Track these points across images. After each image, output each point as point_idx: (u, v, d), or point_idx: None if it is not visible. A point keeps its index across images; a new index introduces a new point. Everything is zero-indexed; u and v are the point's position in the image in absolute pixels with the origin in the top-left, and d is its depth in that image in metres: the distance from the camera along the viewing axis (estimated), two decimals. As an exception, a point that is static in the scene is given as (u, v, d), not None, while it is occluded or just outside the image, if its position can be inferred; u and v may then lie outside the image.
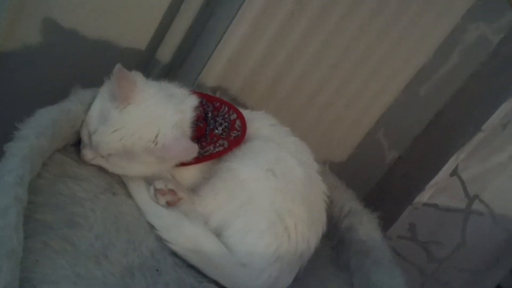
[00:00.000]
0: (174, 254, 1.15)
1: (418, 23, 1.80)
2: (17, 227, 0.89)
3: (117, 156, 1.19)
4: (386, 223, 1.54)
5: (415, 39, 1.83)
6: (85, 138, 1.21)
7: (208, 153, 1.28)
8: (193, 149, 1.19)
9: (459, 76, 1.97)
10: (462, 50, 1.93)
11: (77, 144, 1.26)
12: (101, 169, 1.22)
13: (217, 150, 1.28)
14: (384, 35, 1.78)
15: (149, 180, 1.24)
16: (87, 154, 1.20)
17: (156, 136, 1.18)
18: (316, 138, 1.87)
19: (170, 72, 1.64)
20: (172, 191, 1.21)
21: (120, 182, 1.24)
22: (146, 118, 1.18)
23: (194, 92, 1.33)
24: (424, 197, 1.84)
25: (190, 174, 1.30)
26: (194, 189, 1.27)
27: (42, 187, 1.07)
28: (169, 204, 1.21)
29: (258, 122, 1.39)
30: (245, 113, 1.36)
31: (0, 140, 1.01)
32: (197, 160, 1.26)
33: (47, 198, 1.06)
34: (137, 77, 1.24)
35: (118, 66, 1.15)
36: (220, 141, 1.29)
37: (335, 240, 1.50)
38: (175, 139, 1.19)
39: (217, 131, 1.30)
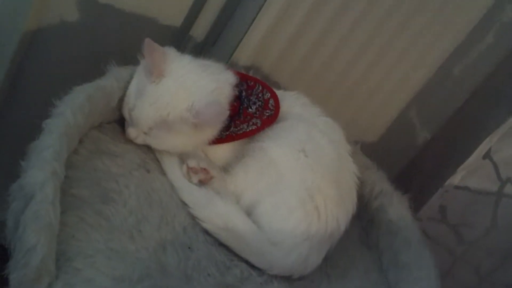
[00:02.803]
0: (206, 231, 1.17)
1: (455, 1, 1.77)
2: (54, 201, 0.91)
3: (157, 129, 1.21)
4: (416, 205, 1.53)
5: (451, 17, 1.80)
6: (127, 116, 1.24)
7: (241, 131, 1.29)
8: (224, 114, 1.21)
9: (495, 56, 1.93)
10: (499, 30, 1.89)
11: (112, 122, 1.28)
12: (135, 146, 1.25)
13: (250, 128, 1.29)
14: (418, 12, 1.75)
15: (182, 159, 1.25)
16: (131, 132, 1.23)
17: (192, 105, 1.19)
18: (347, 118, 1.86)
19: (204, 50, 1.64)
20: (204, 170, 1.23)
21: (154, 159, 1.26)
22: (181, 88, 1.20)
23: (229, 69, 1.34)
24: (455, 179, 1.82)
25: (223, 153, 1.32)
26: (226, 168, 1.29)
27: (78, 163, 1.10)
28: (201, 182, 1.22)
29: (290, 101, 1.39)
30: (278, 93, 1.36)
31: (39, 117, 1.04)
32: (230, 138, 1.28)
33: (83, 173, 1.09)
34: (170, 51, 1.26)
35: (147, 40, 1.17)
36: (254, 120, 1.29)
37: (365, 220, 1.51)
38: (208, 104, 1.20)
39: (250, 110, 1.30)
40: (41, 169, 0.93)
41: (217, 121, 1.23)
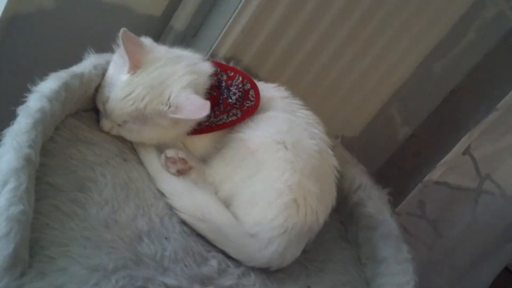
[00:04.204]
0: (183, 222, 1.16)
1: (436, -2, 1.78)
2: (29, 188, 0.89)
3: (132, 122, 1.19)
4: (396, 200, 1.53)
5: (432, 14, 1.81)
6: (101, 108, 1.22)
7: (221, 122, 1.28)
8: (206, 106, 1.16)
9: (475, 53, 1.95)
10: (480, 27, 1.90)
11: (89, 110, 1.26)
12: (112, 135, 1.23)
13: (230, 119, 1.28)
14: (400, 9, 1.76)
15: (160, 149, 1.24)
16: (105, 124, 1.21)
17: (169, 99, 1.17)
18: (329, 112, 1.87)
19: (184, 40, 1.64)
20: (183, 160, 1.22)
21: (131, 148, 1.25)
22: (156, 80, 1.18)
23: (208, 60, 1.33)
24: (435, 175, 1.83)
25: (202, 144, 1.31)
26: (205, 159, 1.28)
27: (54, 151, 1.08)
28: (179, 173, 1.22)
29: (270, 94, 1.39)
30: (258, 84, 1.35)
31: (14, 102, 1.02)
32: (210, 128, 1.27)
33: (59, 161, 1.07)
34: (146, 41, 1.24)
35: (123, 30, 1.15)
36: (234, 111, 1.28)
37: (344, 214, 1.51)
38: (187, 98, 1.18)
39: (230, 100, 1.29)
40: (16, 156, 0.91)
41: (197, 116, 1.18)
